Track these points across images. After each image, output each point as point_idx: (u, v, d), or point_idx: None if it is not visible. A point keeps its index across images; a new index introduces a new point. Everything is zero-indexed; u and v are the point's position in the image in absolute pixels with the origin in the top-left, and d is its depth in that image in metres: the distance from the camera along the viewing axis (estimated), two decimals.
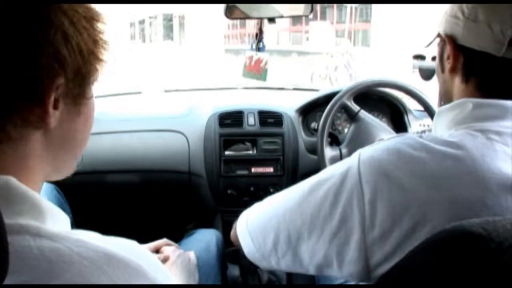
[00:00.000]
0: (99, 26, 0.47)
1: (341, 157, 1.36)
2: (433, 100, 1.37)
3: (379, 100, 1.59)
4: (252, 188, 1.47)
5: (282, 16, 1.28)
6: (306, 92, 2.01)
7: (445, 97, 0.71)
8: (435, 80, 0.76)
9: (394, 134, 1.39)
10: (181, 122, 1.54)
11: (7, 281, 0.33)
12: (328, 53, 10.08)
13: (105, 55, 0.48)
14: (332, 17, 17.28)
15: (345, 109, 1.39)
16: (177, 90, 2.14)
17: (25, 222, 0.39)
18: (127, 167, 1.48)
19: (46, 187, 1.18)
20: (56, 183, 1.23)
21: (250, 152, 1.48)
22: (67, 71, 0.42)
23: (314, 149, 1.46)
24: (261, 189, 1.47)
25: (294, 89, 2.12)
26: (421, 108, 1.40)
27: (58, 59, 0.41)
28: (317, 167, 1.36)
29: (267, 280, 1.13)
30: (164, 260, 0.90)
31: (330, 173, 0.63)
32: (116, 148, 1.48)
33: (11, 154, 0.42)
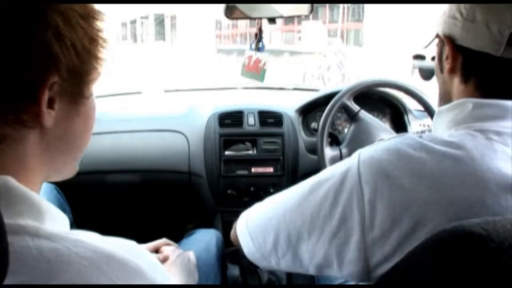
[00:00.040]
0: (98, 24, 0.46)
1: (341, 157, 1.36)
2: (433, 100, 1.37)
3: (379, 100, 1.59)
4: (252, 188, 1.47)
5: (282, 16, 1.28)
6: (306, 92, 2.01)
7: (445, 98, 0.71)
8: (435, 80, 0.76)
9: (394, 134, 1.39)
10: (181, 122, 1.54)
11: (6, 281, 0.33)
12: (321, 53, 10.09)
13: (103, 53, 0.47)
14: (325, 17, 17.23)
15: (345, 109, 1.38)
16: (177, 90, 2.14)
17: (24, 222, 0.38)
18: (127, 167, 1.48)
19: (46, 187, 1.18)
20: (56, 183, 1.23)
21: (250, 152, 1.48)
22: (61, 70, 0.41)
23: (314, 149, 1.46)
24: (261, 189, 1.47)
25: (294, 89, 2.12)
26: (421, 108, 1.39)
27: (51, 57, 0.40)
28: (317, 167, 1.36)
29: (267, 280, 1.13)
30: (164, 260, 0.90)
31: (330, 173, 0.63)
32: (116, 148, 1.48)
33: (10, 154, 0.41)
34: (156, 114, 1.64)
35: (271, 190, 1.46)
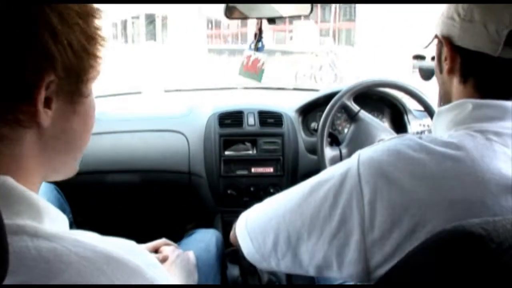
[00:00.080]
0: (96, 22, 0.45)
1: (341, 157, 1.36)
2: (433, 100, 1.37)
3: (379, 100, 1.59)
4: (252, 188, 1.47)
5: (282, 17, 1.28)
6: (306, 92, 2.01)
7: (444, 98, 0.71)
8: (435, 80, 0.76)
9: (394, 134, 1.39)
10: (181, 122, 1.54)
11: (5, 281, 0.33)
12: (313, 53, 10.07)
13: (102, 51, 0.46)
14: (316, 16, 17.16)
15: (345, 109, 1.38)
16: (177, 90, 2.14)
17: (22, 222, 0.38)
18: (127, 167, 1.48)
19: (46, 187, 1.18)
20: (56, 183, 1.23)
21: (250, 152, 1.48)
22: (57, 69, 0.41)
23: (314, 149, 1.46)
24: (261, 189, 1.47)
25: (294, 89, 2.12)
26: (421, 108, 1.40)
27: (47, 57, 0.40)
28: (317, 167, 1.36)
29: (267, 281, 1.13)
30: (163, 260, 0.90)
31: (330, 174, 0.63)
32: (116, 148, 1.48)
33: (8, 154, 0.41)
34: (156, 114, 1.64)
35: (271, 190, 1.46)
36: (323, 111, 1.37)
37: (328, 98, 1.41)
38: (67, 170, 0.51)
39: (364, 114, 1.38)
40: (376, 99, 1.58)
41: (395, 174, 0.56)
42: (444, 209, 0.53)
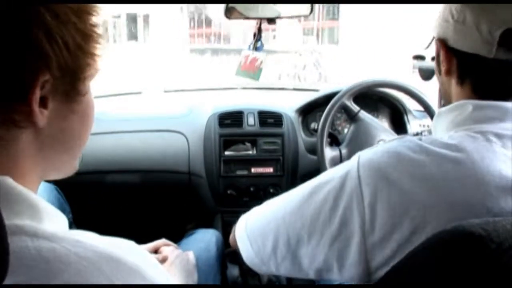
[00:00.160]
0: (92, 19, 0.44)
1: (341, 157, 1.36)
2: (433, 100, 1.37)
3: (379, 100, 1.59)
4: (252, 188, 1.47)
5: (282, 17, 1.28)
6: (306, 92, 2.01)
7: (445, 98, 0.71)
8: (435, 80, 0.76)
9: (394, 134, 1.39)
10: (181, 122, 1.54)
11: (5, 281, 0.33)
12: (297, 52, 9.97)
13: (99, 49, 0.45)
14: None
15: (345, 109, 1.38)
16: (177, 90, 2.14)
17: (21, 222, 0.38)
18: (127, 167, 1.48)
19: (46, 187, 1.18)
20: (56, 183, 1.23)
21: (250, 152, 1.48)
22: (52, 68, 0.40)
23: (314, 150, 1.46)
24: (261, 189, 1.47)
25: (294, 89, 2.12)
26: (421, 108, 1.40)
27: (40, 56, 0.39)
28: (317, 168, 1.36)
29: (267, 281, 1.13)
30: (163, 260, 0.90)
31: (330, 176, 0.63)
32: (116, 148, 1.48)
33: (5, 154, 0.41)
34: (156, 114, 1.64)
35: (271, 190, 1.46)
36: (323, 111, 1.37)
37: (328, 98, 1.41)
38: (67, 169, 0.51)
39: (364, 114, 1.38)
40: (376, 99, 1.58)
41: (395, 176, 0.56)
42: (444, 211, 0.53)
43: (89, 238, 0.40)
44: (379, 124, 1.39)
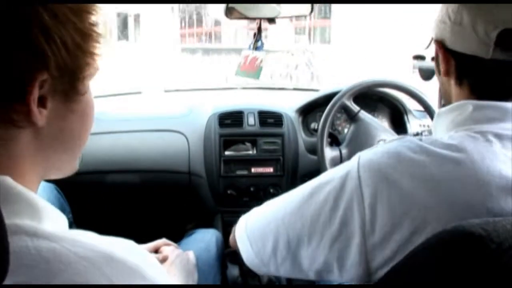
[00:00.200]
0: (91, 18, 0.44)
1: (341, 158, 1.36)
2: (433, 100, 1.37)
3: (379, 100, 1.59)
4: (252, 188, 1.47)
5: (282, 17, 1.28)
6: (306, 92, 2.02)
7: (445, 98, 0.72)
8: (435, 80, 0.76)
9: (394, 134, 1.39)
10: (181, 122, 1.54)
11: (5, 281, 0.33)
12: (289, 51, 9.89)
13: (98, 48, 0.45)
14: None
15: (345, 109, 1.38)
16: (177, 90, 2.14)
17: (21, 222, 0.38)
18: (127, 167, 1.48)
19: (46, 186, 1.18)
20: (56, 183, 1.23)
21: (250, 152, 1.48)
22: (50, 68, 0.40)
23: (314, 150, 1.46)
24: (261, 189, 1.47)
25: (294, 89, 2.12)
26: (421, 108, 1.40)
27: (38, 55, 0.39)
28: (317, 168, 1.36)
29: (267, 281, 1.13)
30: (163, 260, 0.90)
31: (330, 176, 0.63)
32: (116, 148, 1.48)
33: (4, 154, 0.41)
34: (156, 114, 1.64)
35: (271, 190, 1.46)
36: (323, 111, 1.37)
37: (328, 98, 1.41)
38: (67, 169, 0.51)
39: (364, 114, 1.38)
40: (376, 99, 1.58)
41: (395, 176, 0.56)
42: (444, 211, 0.53)
43: (89, 238, 0.40)
44: (379, 124, 1.39)
